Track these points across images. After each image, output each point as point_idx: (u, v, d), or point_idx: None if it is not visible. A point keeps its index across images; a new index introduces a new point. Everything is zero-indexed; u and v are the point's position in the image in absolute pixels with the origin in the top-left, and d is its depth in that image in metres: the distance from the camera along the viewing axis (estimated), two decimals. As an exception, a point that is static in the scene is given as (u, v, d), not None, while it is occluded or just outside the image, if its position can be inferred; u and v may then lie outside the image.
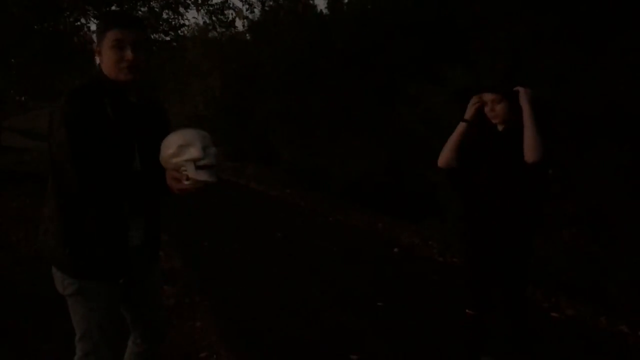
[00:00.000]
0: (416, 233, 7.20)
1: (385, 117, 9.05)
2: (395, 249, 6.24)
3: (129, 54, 1.92)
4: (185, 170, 1.86)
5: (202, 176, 1.85)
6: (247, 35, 21.48)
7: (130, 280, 2.09)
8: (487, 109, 2.69)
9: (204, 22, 14.46)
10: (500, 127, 2.75)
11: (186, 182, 1.87)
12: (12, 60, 12.04)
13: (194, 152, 1.84)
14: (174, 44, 14.39)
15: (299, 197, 10.99)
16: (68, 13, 11.52)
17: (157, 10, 13.00)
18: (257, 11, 28.23)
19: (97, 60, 2.01)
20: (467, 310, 2.90)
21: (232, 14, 16.95)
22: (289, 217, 8.54)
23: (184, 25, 14.13)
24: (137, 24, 2.00)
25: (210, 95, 22.19)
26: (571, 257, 4.84)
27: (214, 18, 13.70)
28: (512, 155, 2.61)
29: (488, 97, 2.67)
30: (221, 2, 13.55)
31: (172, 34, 13.84)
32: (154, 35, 13.23)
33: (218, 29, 14.90)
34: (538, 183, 2.69)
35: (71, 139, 1.83)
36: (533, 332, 2.93)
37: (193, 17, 45.51)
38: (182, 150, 1.85)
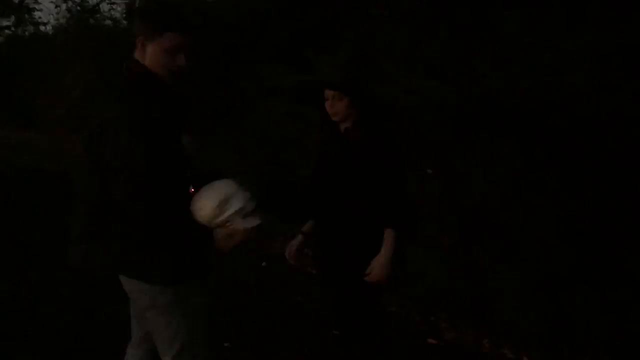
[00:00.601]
0: (291, 239, 6.47)
1: (260, 111, 8.29)
2: (264, 263, 5.47)
3: (182, 60, 1.88)
4: (231, 225, 1.85)
5: (252, 222, 1.88)
6: (124, 22, 20.15)
7: None
8: (327, 106, 2.47)
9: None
10: (342, 127, 2.51)
11: (240, 234, 1.87)
12: None
13: (237, 203, 1.84)
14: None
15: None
16: None
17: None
18: None
19: (138, 50, 1.89)
20: (332, 331, 2.75)
21: None
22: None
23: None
24: (192, 28, 1.91)
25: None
26: (451, 268, 4.31)
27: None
28: (354, 159, 2.45)
29: (329, 93, 2.46)
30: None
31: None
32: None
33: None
34: (390, 187, 2.43)
35: (138, 136, 1.73)
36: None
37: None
38: (223, 207, 1.82)
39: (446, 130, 4.85)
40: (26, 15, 12.91)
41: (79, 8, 12.90)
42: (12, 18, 13.00)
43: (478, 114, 4.85)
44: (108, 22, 13.48)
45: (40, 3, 16.42)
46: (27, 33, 14.63)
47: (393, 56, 4.91)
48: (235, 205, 1.82)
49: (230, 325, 3.75)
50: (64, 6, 13.20)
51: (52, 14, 36.87)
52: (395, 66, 4.84)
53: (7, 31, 13.41)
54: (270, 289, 4.62)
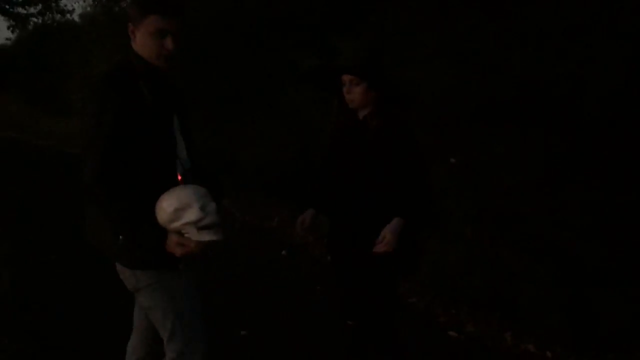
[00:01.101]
0: (314, 228, 6.41)
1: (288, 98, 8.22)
2: (284, 252, 5.43)
3: (169, 44, 1.85)
4: (188, 234, 1.80)
5: (206, 237, 1.82)
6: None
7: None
8: (344, 91, 2.40)
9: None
10: (360, 114, 2.44)
11: (192, 245, 1.81)
12: None
13: (192, 214, 1.78)
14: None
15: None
16: None
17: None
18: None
19: (131, 39, 1.91)
20: (347, 322, 2.66)
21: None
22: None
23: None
24: (180, 11, 1.88)
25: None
26: (473, 260, 4.21)
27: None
28: (369, 147, 2.38)
29: (345, 78, 2.39)
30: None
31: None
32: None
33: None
34: (404, 177, 2.35)
35: (102, 124, 1.78)
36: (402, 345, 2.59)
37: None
38: (179, 214, 1.78)
39: (472, 118, 4.74)
40: (53, 4, 13.03)
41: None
42: (40, 6, 13.13)
43: (506, 103, 4.73)
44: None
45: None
46: (54, 22, 14.79)
47: (419, 41, 4.80)
48: (188, 217, 1.78)
49: (248, 314, 3.73)
50: (90, -6, 13.30)
51: (78, 2, 37.25)
52: (420, 52, 4.73)
53: (33, 19, 13.56)
54: (289, 278, 4.59)
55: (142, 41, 1.87)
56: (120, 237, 1.85)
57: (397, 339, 2.55)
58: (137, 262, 1.90)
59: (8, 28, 18.95)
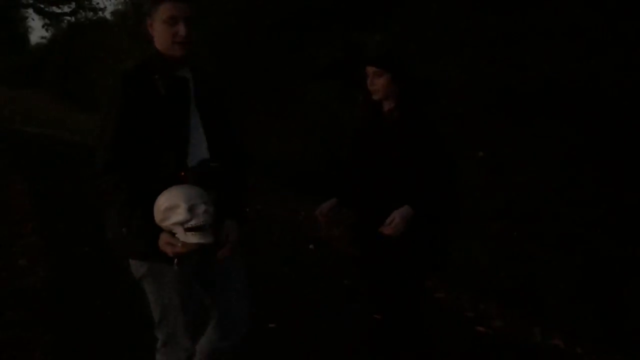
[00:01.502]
0: (339, 222, 6.43)
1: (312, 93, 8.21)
2: (311, 246, 5.47)
3: (182, 29, 1.90)
4: (177, 234, 1.81)
5: (193, 239, 1.80)
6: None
7: (201, 262, 2.04)
8: (368, 83, 2.41)
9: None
10: (385, 107, 2.43)
11: (179, 245, 1.80)
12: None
13: (179, 215, 1.78)
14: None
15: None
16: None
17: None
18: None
19: (150, 34, 1.99)
20: (374, 315, 2.68)
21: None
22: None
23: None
24: None
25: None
26: (500, 255, 4.17)
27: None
28: (394, 140, 2.35)
29: (369, 70, 2.39)
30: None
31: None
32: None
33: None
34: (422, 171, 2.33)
35: (111, 119, 1.89)
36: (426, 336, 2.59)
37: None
38: (168, 213, 1.79)
39: (500, 112, 4.69)
40: (85, 2, 13.30)
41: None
42: (73, 5, 13.42)
43: (536, 96, 4.66)
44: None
45: (99, -11, 17.00)
46: (87, 20, 15.09)
47: (445, 33, 4.75)
48: (176, 217, 1.79)
49: (276, 307, 3.77)
50: (120, -8, 13.55)
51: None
52: (447, 44, 4.68)
53: (67, 18, 13.85)
54: (317, 272, 4.61)
55: (158, 32, 1.94)
56: (123, 228, 1.89)
57: (423, 333, 2.55)
58: (133, 252, 1.98)
59: (43, 27, 19.52)
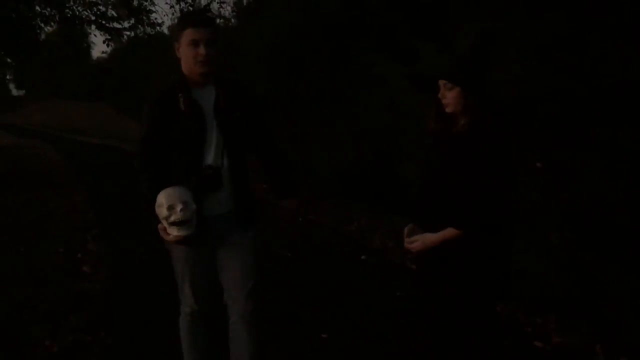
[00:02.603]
0: (392, 233, 6.37)
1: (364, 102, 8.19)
2: (363, 256, 5.44)
3: (202, 50, 2.25)
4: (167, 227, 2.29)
5: (174, 231, 2.27)
6: (233, 20, 20.96)
7: (215, 244, 2.49)
8: (439, 96, 2.38)
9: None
10: (460, 121, 2.33)
11: (170, 236, 2.29)
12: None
13: (162, 212, 2.24)
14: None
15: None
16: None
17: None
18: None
19: (178, 57, 2.36)
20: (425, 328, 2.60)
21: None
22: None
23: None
24: (209, 23, 2.32)
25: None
26: (560, 267, 4.04)
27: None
28: (459, 156, 2.28)
29: (440, 82, 2.36)
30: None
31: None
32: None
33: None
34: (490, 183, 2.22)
35: (142, 129, 2.40)
36: None
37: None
38: (158, 210, 2.25)
39: (560, 120, 4.56)
40: (144, 17, 13.76)
41: (191, 8, 13.60)
42: (132, 20, 13.94)
43: (597, 105, 4.51)
44: (218, 20, 14.06)
45: (156, 5, 17.56)
46: (145, 35, 15.63)
47: (506, 41, 4.64)
48: (161, 213, 2.25)
49: (328, 317, 3.77)
50: (177, 7, 13.98)
51: (167, 15, 39.03)
52: (507, 53, 4.58)
53: (127, 33, 14.37)
54: (369, 283, 4.58)
55: (183, 54, 2.32)
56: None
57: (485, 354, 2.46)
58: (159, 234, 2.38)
59: (104, 42, 20.21)
